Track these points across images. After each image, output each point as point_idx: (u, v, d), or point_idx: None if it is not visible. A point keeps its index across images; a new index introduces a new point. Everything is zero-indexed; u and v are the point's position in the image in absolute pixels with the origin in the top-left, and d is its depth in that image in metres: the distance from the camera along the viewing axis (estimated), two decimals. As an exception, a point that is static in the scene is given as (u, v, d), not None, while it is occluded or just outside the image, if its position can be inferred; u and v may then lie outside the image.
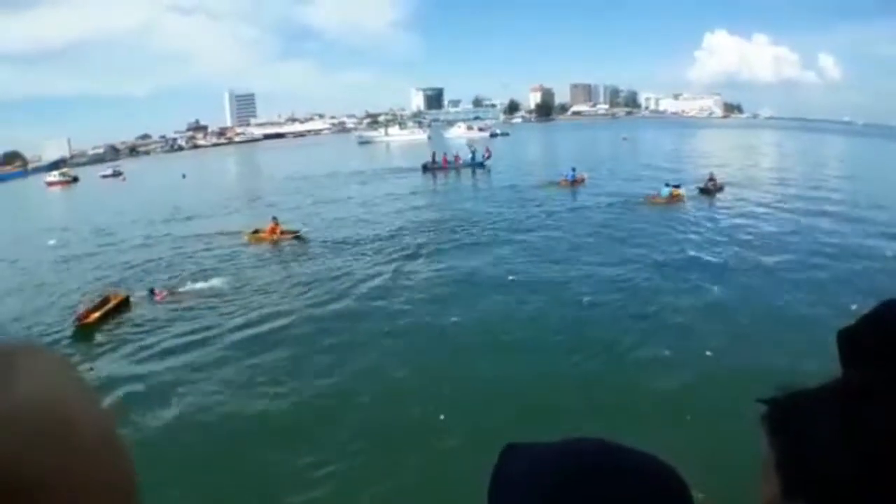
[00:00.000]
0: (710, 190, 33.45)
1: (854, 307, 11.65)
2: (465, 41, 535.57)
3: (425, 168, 52.07)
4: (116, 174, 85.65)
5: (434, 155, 53.89)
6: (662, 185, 32.72)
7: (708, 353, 12.44)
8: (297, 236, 26.42)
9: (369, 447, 9.58)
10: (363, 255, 23.11)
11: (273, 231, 26.34)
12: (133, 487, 0.46)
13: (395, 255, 22.60)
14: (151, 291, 19.06)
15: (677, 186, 32.45)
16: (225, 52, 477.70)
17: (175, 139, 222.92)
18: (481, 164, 52.69)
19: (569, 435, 0.81)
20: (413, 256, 22.41)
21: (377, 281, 19.39)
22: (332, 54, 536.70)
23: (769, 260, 20.06)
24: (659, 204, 30.74)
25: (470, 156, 53.36)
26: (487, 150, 54.57)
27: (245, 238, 26.42)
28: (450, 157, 53.33)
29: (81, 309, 17.30)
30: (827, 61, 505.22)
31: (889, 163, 67.41)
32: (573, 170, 40.20)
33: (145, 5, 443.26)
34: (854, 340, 1.08)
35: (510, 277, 18.55)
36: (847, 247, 21.80)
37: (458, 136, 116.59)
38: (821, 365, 1.03)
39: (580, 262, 20.43)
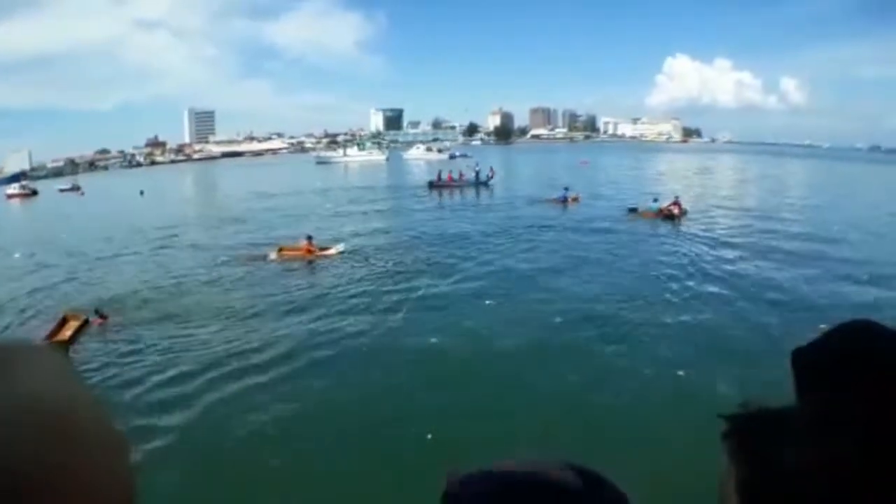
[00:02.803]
0: (673, 214, 33.57)
1: (822, 326, 11.97)
2: (426, 64, 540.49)
3: (431, 185, 52.42)
4: (75, 188, 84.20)
5: (440, 173, 54.55)
6: (651, 201, 34.96)
7: (680, 372, 12.49)
8: (338, 253, 25.10)
9: (350, 469, 9.26)
10: (344, 275, 22.08)
11: (309, 250, 24.82)
12: (132, 486, 0.46)
13: (386, 274, 21.89)
14: (98, 313, 17.05)
15: (655, 201, 34.58)
16: (187, 68, 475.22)
17: (133, 155, 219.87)
18: (485, 183, 53.00)
19: (522, 454, 0.80)
20: (405, 275, 21.70)
21: (356, 300, 18.61)
22: (293, 74, 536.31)
23: (732, 281, 20.26)
24: (648, 218, 32.55)
25: (474, 175, 53.88)
26: (491, 170, 54.84)
27: (273, 256, 24.64)
28: (455, 176, 53.93)
29: (42, 333, 15.40)
30: (789, 85, 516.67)
31: (845, 184, 69.16)
32: (566, 189, 41.41)
33: (111, 21, 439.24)
34: (811, 361, 1.08)
35: (487, 302, 18.18)
36: (811, 267, 22.29)
37: (417, 157, 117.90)
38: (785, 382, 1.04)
39: (567, 280, 20.57)
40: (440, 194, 49.45)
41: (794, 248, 25.73)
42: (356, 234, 29.40)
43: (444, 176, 53.66)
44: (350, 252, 25.22)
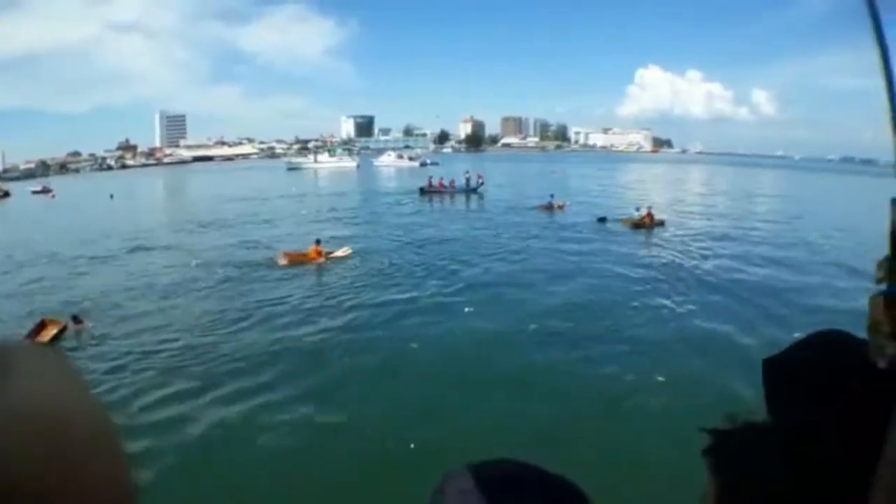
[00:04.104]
0: (645, 224, 33.62)
1: (796, 335, 11.73)
2: (398, 71, 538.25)
3: (423, 191, 53.02)
4: (46, 191, 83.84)
5: (430, 179, 55.29)
6: (633, 210, 35.60)
7: (660, 378, 12.51)
8: (341, 256, 25.15)
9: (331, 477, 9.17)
10: (337, 282, 21.72)
11: (318, 254, 24.54)
12: (131, 489, 0.45)
13: (382, 280, 21.81)
14: (74, 318, 16.73)
15: (637, 209, 35.20)
16: (159, 71, 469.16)
17: (104, 158, 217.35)
18: (475, 190, 53.73)
19: (492, 457, 0.87)
20: (389, 281, 21.57)
21: (338, 304, 18.55)
22: (265, 79, 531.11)
23: (707, 289, 20.41)
24: (624, 226, 33.21)
25: (464, 181, 54.68)
26: (480, 177, 55.44)
27: (281, 261, 24.10)
28: (445, 182, 54.42)
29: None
30: (760, 96, 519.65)
31: (819, 195, 69.84)
32: (552, 196, 42.19)
33: (84, 22, 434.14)
34: (782, 374, 1.11)
35: (466, 309, 17.85)
36: (784, 275, 22.55)
37: (388, 164, 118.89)
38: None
39: (549, 285, 20.63)
40: (431, 200, 49.97)
41: (765, 257, 26.18)
42: (345, 241, 28.58)
43: (435, 182, 54.29)
44: (350, 257, 25.25)
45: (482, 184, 54.75)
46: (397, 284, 20.90)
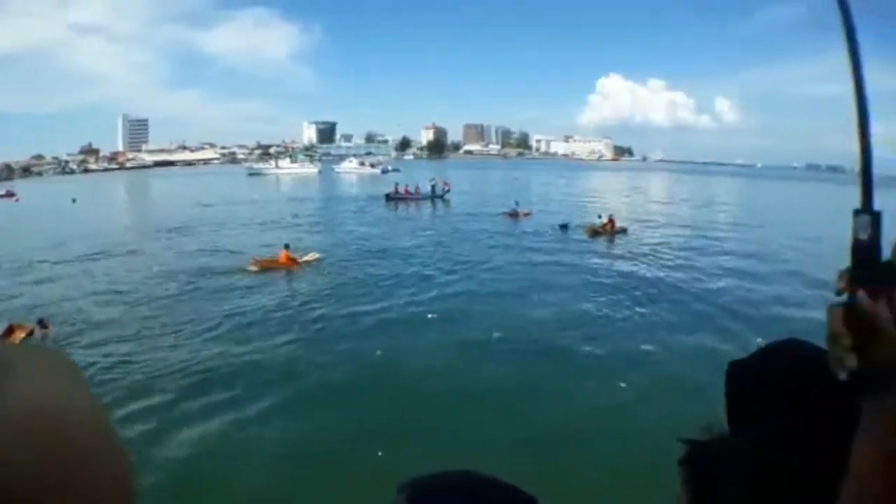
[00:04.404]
0: (607, 231, 33.59)
1: (759, 340, 11.13)
2: (360, 77, 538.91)
3: (388, 197, 52.83)
4: (9, 195, 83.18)
5: (396, 186, 55.41)
6: (595, 217, 35.99)
7: (622, 384, 12.56)
8: (310, 261, 24.97)
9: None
10: (304, 290, 21.43)
11: (288, 259, 24.21)
12: (130, 489, 0.45)
13: (348, 287, 21.49)
14: (40, 323, 16.12)
15: (599, 216, 35.54)
16: (122, 75, 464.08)
17: (67, 162, 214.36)
18: (441, 196, 53.90)
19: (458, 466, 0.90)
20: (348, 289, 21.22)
21: (302, 312, 18.32)
22: (228, 83, 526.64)
23: (669, 295, 20.63)
24: (587, 234, 33.27)
25: (430, 188, 54.97)
26: (446, 184, 55.97)
27: (252, 268, 23.67)
28: (412, 189, 54.67)
29: None
30: (723, 105, 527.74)
31: (780, 202, 71.42)
32: (516, 203, 42.86)
33: (48, 24, 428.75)
34: (749, 377, 1.12)
35: (429, 315, 17.90)
36: (746, 282, 22.74)
37: (349, 171, 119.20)
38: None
39: (514, 293, 20.65)
40: (396, 207, 49.97)
41: (726, 266, 26.24)
42: (312, 248, 27.93)
43: (402, 189, 54.40)
44: (318, 263, 25.17)
45: (448, 190, 55.27)
46: (364, 293, 20.62)
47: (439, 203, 52.36)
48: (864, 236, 0.71)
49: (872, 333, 0.72)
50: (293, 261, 24.26)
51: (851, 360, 0.73)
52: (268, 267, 23.82)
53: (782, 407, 1.02)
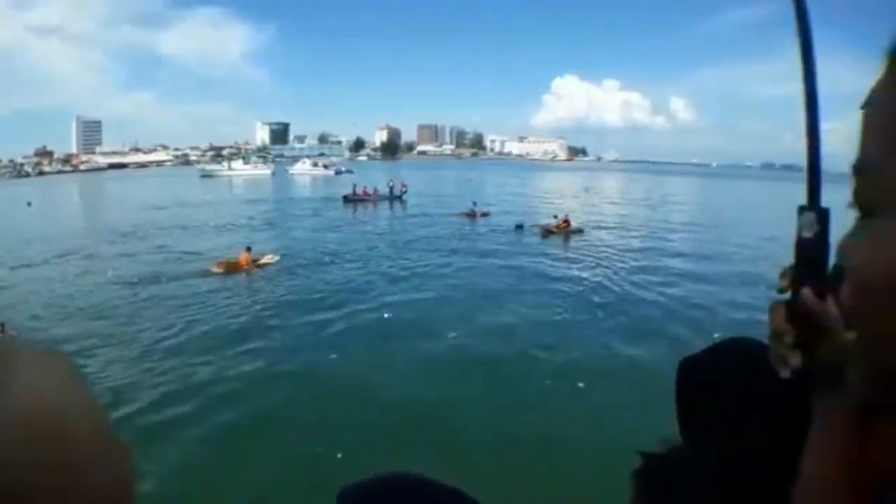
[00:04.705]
0: (563, 231, 33.81)
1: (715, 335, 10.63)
2: (314, 77, 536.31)
3: (346, 199, 52.70)
4: None
5: (354, 187, 55.18)
6: (552, 217, 36.01)
7: (580, 384, 12.69)
8: (268, 263, 24.80)
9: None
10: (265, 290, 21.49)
11: (246, 261, 24.02)
12: (130, 490, 0.45)
13: (306, 290, 21.29)
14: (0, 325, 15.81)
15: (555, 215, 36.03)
16: (77, 76, 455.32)
17: (22, 164, 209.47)
18: (399, 197, 54.25)
19: (392, 470, 0.92)
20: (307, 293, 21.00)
21: (256, 318, 18.02)
22: (181, 84, 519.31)
23: (625, 294, 21.06)
24: (542, 234, 33.40)
25: (388, 189, 54.88)
26: (404, 185, 55.98)
27: (216, 269, 23.44)
28: (369, 190, 54.72)
29: None
30: (678, 105, 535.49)
31: (735, 201, 73.43)
32: (474, 203, 43.14)
33: (4, 26, 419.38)
34: (701, 375, 1.12)
35: (386, 315, 18.16)
36: (701, 280, 23.29)
37: (303, 172, 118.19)
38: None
39: (470, 297, 20.55)
40: (355, 208, 50.07)
41: (681, 265, 26.67)
42: (269, 251, 27.57)
43: (359, 190, 54.48)
44: (276, 264, 25.00)
45: (406, 191, 55.60)
46: (321, 297, 20.35)
47: (397, 204, 52.47)
48: (808, 234, 0.71)
49: (819, 332, 0.72)
50: (252, 263, 24.06)
51: (795, 358, 0.73)
52: (231, 269, 23.55)
53: (734, 407, 1.02)
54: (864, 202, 0.58)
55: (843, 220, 0.63)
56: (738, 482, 0.92)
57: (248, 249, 24.57)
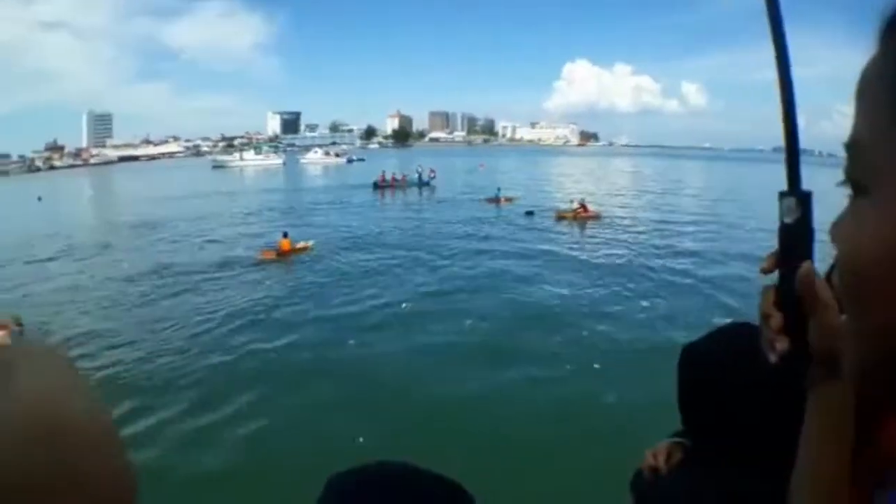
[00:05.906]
0: (579, 216, 33.50)
1: (717, 320, 11.36)
2: (325, 66, 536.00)
3: (376, 185, 52.94)
4: None
5: (384, 173, 55.24)
6: (567, 203, 36.02)
7: (596, 365, 12.60)
8: (306, 248, 24.67)
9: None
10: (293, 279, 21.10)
11: (288, 247, 23.92)
12: (131, 489, 0.45)
13: (337, 278, 20.96)
14: (16, 321, 15.32)
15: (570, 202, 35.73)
16: (87, 70, 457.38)
17: (33, 159, 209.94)
18: (427, 183, 54.27)
19: (380, 458, 0.92)
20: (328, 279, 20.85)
21: (289, 308, 17.62)
22: (191, 75, 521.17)
23: (647, 276, 20.75)
24: (566, 218, 33.19)
25: (416, 175, 55.26)
26: (432, 171, 56.08)
27: (262, 256, 23.38)
28: (398, 177, 55.19)
29: None
30: (689, 89, 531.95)
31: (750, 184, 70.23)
32: (498, 190, 42.89)
33: (12, 21, 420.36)
34: (706, 363, 1.13)
35: (404, 305, 17.66)
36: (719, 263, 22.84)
37: (314, 161, 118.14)
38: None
39: (499, 283, 20.13)
40: (384, 194, 50.25)
41: (700, 246, 26.46)
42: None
43: (388, 176, 54.67)
44: (313, 250, 24.76)
45: (434, 177, 55.49)
46: (353, 284, 20.03)
47: (425, 190, 52.57)
48: (789, 219, 0.72)
49: (805, 316, 0.71)
50: (293, 249, 23.94)
51: (782, 343, 0.72)
52: (279, 256, 23.52)
53: (732, 395, 1.03)
54: (855, 180, 0.58)
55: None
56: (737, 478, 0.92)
57: (286, 235, 24.32)
